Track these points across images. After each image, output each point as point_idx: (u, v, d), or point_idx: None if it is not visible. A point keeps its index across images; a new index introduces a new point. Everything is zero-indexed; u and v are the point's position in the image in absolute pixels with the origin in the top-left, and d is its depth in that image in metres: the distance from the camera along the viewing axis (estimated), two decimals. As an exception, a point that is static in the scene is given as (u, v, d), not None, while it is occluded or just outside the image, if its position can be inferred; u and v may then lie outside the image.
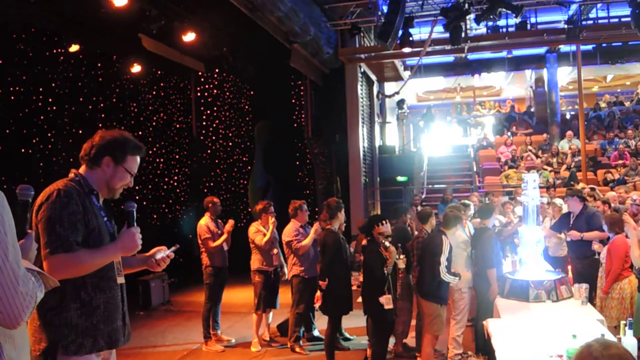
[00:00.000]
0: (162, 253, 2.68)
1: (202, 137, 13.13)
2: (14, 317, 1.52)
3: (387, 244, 5.09)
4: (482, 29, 11.62)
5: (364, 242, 5.77)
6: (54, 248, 2.22)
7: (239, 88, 13.09)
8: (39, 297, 1.70)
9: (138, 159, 2.56)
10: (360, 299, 5.44)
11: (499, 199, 9.67)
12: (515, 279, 5.15)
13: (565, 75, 17.85)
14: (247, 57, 11.25)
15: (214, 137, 13.15)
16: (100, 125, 9.75)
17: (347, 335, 6.70)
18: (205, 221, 6.60)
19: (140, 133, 11.55)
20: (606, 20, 11.55)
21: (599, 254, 5.90)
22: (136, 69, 10.27)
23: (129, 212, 2.46)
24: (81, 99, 9.62)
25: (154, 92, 12.06)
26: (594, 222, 6.28)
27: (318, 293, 5.71)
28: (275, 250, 6.56)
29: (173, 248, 2.73)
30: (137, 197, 11.23)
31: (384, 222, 5.18)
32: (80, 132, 9.08)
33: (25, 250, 1.84)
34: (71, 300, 2.29)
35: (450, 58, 15.61)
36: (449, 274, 5.06)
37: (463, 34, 10.00)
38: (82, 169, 2.47)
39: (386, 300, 5.03)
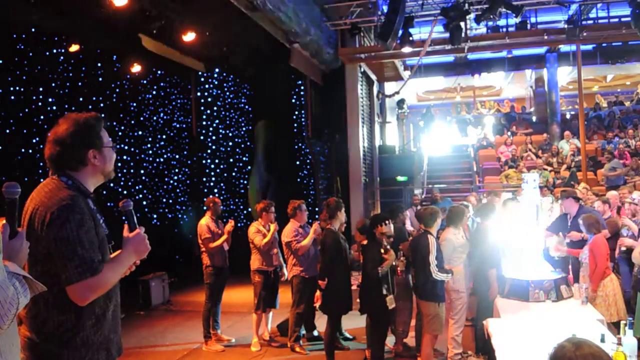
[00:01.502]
0: None
1: (202, 137, 13.14)
2: None
3: (387, 246, 5.10)
4: (482, 29, 11.62)
5: (365, 242, 5.77)
6: (80, 273, 2.04)
7: (239, 88, 13.10)
8: (22, 303, 1.65)
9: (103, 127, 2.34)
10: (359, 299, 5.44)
11: (500, 198, 9.66)
12: (515, 279, 5.16)
13: (565, 75, 17.86)
14: (247, 57, 11.25)
15: (214, 137, 13.16)
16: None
17: (347, 335, 6.70)
18: (205, 221, 6.60)
19: (140, 133, 11.56)
20: (606, 20, 11.54)
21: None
22: (136, 68, 10.27)
23: (127, 211, 2.29)
24: (81, 99, 9.62)
25: (154, 92, 12.06)
26: None
27: (318, 293, 5.71)
28: (275, 250, 6.56)
29: None
30: (137, 197, 11.25)
31: (386, 222, 5.19)
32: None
33: (15, 250, 1.80)
34: (87, 318, 2.14)
35: (450, 58, 15.62)
36: (441, 272, 5.07)
37: (463, 34, 10.00)
38: (68, 173, 2.23)
39: (390, 301, 5.05)
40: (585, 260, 5.44)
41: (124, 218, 2.30)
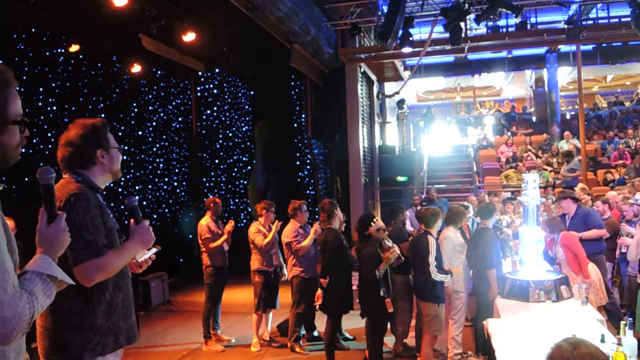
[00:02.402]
0: (142, 254, 2.59)
1: (202, 137, 13.13)
2: (3, 338, 1.51)
3: (388, 242, 5.09)
4: (482, 29, 11.62)
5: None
6: (85, 254, 2.19)
7: (239, 88, 13.09)
8: (41, 305, 1.64)
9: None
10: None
11: (499, 198, 9.68)
12: (515, 279, 5.15)
13: (565, 75, 17.86)
14: (247, 57, 11.25)
15: (214, 137, 13.15)
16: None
17: (347, 336, 6.70)
18: (206, 221, 6.60)
19: (140, 133, 11.56)
20: (606, 20, 11.54)
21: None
22: (136, 69, 10.26)
23: (133, 207, 2.45)
24: (81, 99, 9.61)
25: (154, 92, 12.06)
26: (589, 220, 6.34)
27: (318, 291, 5.71)
28: (274, 250, 6.56)
29: (154, 250, 2.62)
30: (137, 197, 11.25)
31: (374, 220, 5.21)
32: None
33: (51, 237, 1.79)
34: (97, 303, 2.29)
35: (450, 58, 15.61)
36: (440, 272, 5.07)
37: (463, 34, 10.00)
38: (78, 171, 2.43)
39: (388, 305, 5.05)
40: (562, 257, 5.66)
41: (127, 213, 2.44)
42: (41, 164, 2.30)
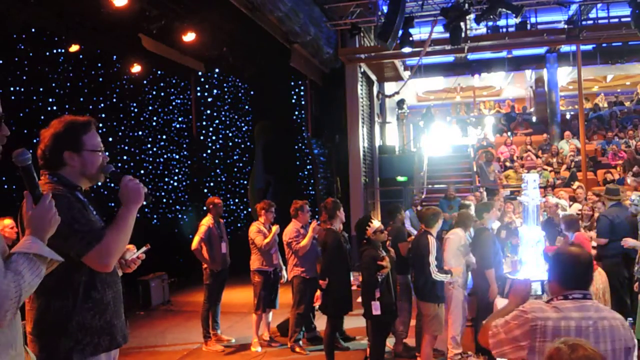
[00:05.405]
0: (131, 253, 2.50)
1: (202, 137, 13.13)
2: None
3: (382, 252, 5.07)
4: (482, 29, 11.64)
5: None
6: (85, 244, 2.10)
7: (239, 88, 13.09)
8: (29, 284, 1.64)
9: (94, 132, 2.36)
10: (360, 299, 5.44)
11: (499, 196, 9.68)
12: (515, 279, 5.15)
13: (565, 75, 17.85)
14: (247, 57, 11.25)
15: (214, 137, 13.16)
16: (100, 125, 9.76)
17: (347, 335, 6.70)
18: (207, 221, 6.61)
19: (140, 133, 11.56)
20: (606, 20, 11.55)
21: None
22: (136, 69, 10.26)
23: (111, 172, 2.32)
24: (81, 99, 9.62)
25: (154, 92, 12.06)
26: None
27: (318, 292, 5.71)
28: (274, 249, 6.56)
29: (144, 248, 2.53)
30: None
31: (370, 222, 5.20)
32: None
33: (38, 217, 1.79)
34: (83, 302, 2.19)
35: (450, 58, 15.61)
36: (440, 272, 5.06)
37: (463, 34, 10.01)
38: (53, 172, 2.28)
39: (375, 306, 5.03)
40: None
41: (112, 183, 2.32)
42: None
